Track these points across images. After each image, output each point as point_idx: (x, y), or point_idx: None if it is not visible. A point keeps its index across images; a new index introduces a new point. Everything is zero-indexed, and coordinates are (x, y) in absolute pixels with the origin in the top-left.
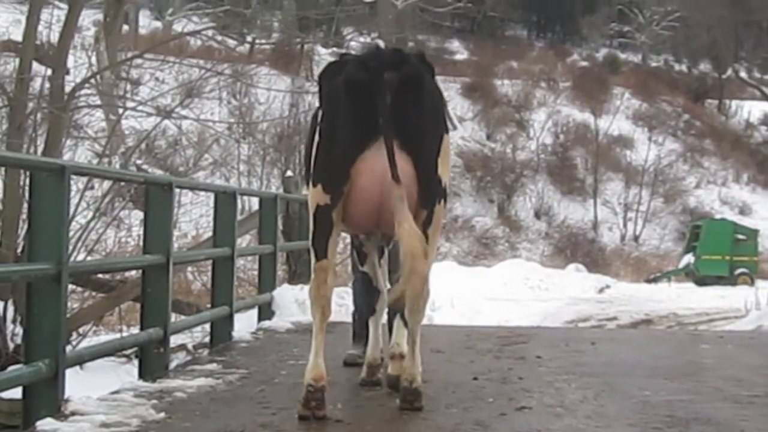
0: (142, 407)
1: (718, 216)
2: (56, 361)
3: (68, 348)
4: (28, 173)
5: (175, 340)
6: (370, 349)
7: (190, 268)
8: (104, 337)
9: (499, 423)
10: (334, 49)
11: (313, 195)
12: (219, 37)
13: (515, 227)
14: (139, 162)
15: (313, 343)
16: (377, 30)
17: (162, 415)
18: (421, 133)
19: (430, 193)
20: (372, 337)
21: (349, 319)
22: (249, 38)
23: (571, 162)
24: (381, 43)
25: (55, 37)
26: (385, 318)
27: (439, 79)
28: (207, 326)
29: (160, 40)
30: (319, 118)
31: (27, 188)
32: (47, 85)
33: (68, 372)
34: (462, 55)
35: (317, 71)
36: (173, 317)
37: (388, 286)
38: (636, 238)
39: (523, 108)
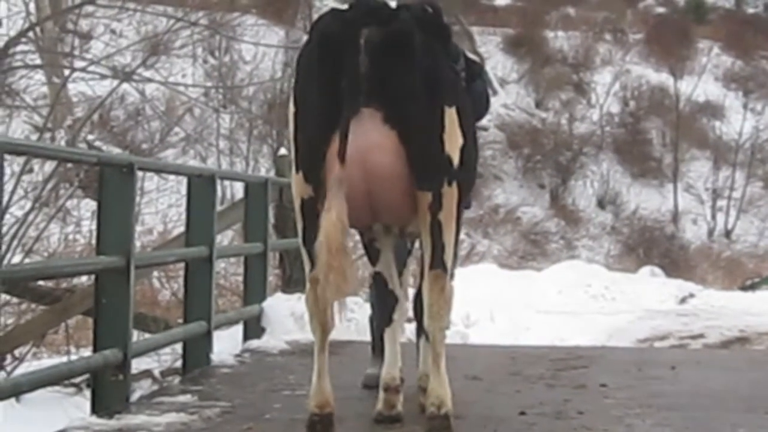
0: None
1: None
2: None
3: (1, 375)
4: None
5: (137, 365)
6: (385, 368)
7: (156, 273)
8: (47, 361)
9: None
10: None
11: (295, 184)
12: None
13: (573, 220)
14: (90, 138)
15: (315, 364)
16: None
17: None
18: (409, 104)
19: (430, 173)
20: (388, 354)
21: (359, 338)
22: None
23: (644, 136)
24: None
25: None
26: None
27: (475, 30)
28: (178, 347)
29: None
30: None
31: None
32: None
33: (1, 405)
34: (505, 0)
35: None
36: (135, 335)
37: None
38: (728, 234)
39: (583, 67)
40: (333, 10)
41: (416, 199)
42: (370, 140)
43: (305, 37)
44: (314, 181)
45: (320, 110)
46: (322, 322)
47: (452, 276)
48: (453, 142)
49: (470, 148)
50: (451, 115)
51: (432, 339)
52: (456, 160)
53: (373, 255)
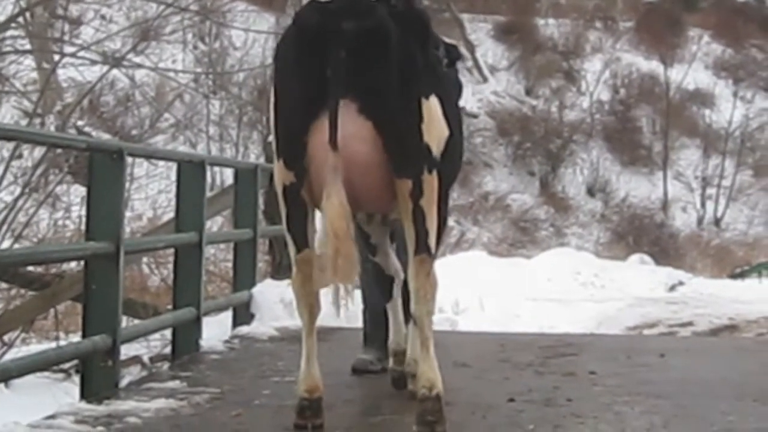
0: None
1: None
2: None
3: None
4: None
5: (126, 351)
6: (392, 335)
7: (145, 259)
8: (36, 346)
9: None
10: None
11: (277, 171)
12: None
13: (562, 207)
14: (80, 123)
15: (304, 348)
16: None
17: None
18: (385, 95)
19: (408, 160)
20: (393, 324)
21: (348, 325)
22: None
23: (634, 124)
24: None
25: None
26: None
27: (465, 17)
28: (168, 333)
29: None
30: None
31: None
32: None
33: None
34: None
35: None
36: (124, 321)
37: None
38: (717, 222)
39: (573, 55)
40: (313, 2)
41: (396, 186)
42: (346, 130)
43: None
44: (295, 168)
45: (299, 100)
46: (309, 304)
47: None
48: (432, 132)
49: (455, 134)
50: (429, 105)
51: (420, 323)
52: (435, 149)
53: (370, 248)
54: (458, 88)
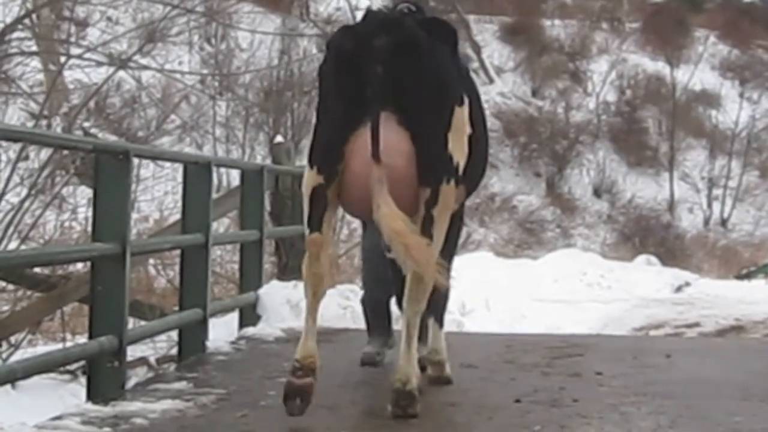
0: None
1: None
2: None
3: None
4: None
5: (133, 352)
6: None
7: (152, 260)
8: (43, 348)
9: None
10: None
11: (308, 176)
12: None
13: (569, 208)
14: (86, 125)
15: (305, 324)
16: None
17: None
18: (421, 105)
19: (433, 171)
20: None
21: (354, 325)
22: None
23: (640, 125)
24: (376, 4)
25: None
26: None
27: (471, 19)
28: (174, 334)
29: None
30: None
31: None
32: None
33: None
34: None
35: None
36: (131, 323)
37: None
38: (724, 223)
39: (579, 56)
40: (344, 27)
41: (416, 195)
42: (387, 142)
43: (301, 25)
44: (326, 172)
45: (339, 115)
46: (313, 284)
47: (447, 272)
48: (457, 141)
49: (480, 137)
50: (459, 113)
51: (407, 321)
52: (457, 159)
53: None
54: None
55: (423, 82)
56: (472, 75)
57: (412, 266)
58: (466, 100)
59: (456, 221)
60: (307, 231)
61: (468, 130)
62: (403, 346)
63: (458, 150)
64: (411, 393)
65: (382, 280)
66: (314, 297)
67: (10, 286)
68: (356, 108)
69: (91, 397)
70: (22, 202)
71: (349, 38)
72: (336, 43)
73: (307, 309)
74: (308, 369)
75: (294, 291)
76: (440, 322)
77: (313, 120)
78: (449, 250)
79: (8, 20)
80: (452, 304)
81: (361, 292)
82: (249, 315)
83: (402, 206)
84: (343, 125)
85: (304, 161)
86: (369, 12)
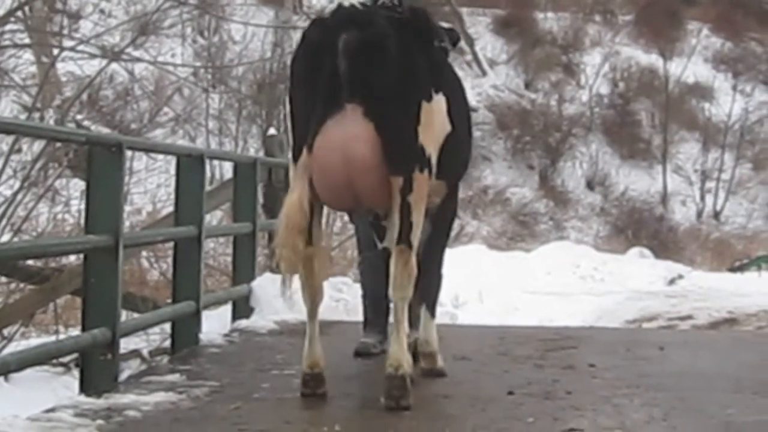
0: (84, 429)
1: None
2: None
3: None
4: None
5: (126, 344)
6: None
7: (145, 253)
8: (35, 340)
9: None
10: None
11: (291, 171)
12: None
13: (562, 201)
14: (79, 117)
15: (307, 330)
16: None
17: None
18: (386, 99)
19: (403, 160)
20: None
21: (348, 318)
22: None
23: (633, 118)
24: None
25: None
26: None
27: (464, 11)
28: (167, 327)
29: None
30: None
31: None
32: None
33: None
34: None
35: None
36: (124, 315)
37: None
38: (716, 215)
39: (572, 48)
40: (316, 20)
41: (390, 183)
42: (350, 132)
43: (294, 18)
44: None
45: (309, 108)
46: (312, 293)
47: (440, 262)
48: (429, 133)
49: (458, 129)
50: (430, 107)
51: (395, 307)
52: (431, 149)
53: (379, 232)
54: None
55: (387, 77)
56: (464, 67)
57: (277, 260)
58: (438, 96)
59: (448, 214)
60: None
61: (445, 125)
62: (393, 332)
63: (430, 143)
64: (403, 377)
65: (382, 276)
66: (313, 304)
67: (3, 279)
68: (324, 101)
69: (84, 389)
70: (15, 194)
71: (317, 31)
72: (306, 35)
73: (308, 315)
74: (318, 377)
75: None
76: (431, 311)
77: (288, 111)
78: (441, 242)
79: (0, 12)
80: (445, 297)
81: (353, 285)
82: (242, 307)
83: (373, 193)
84: (313, 119)
85: None
86: (339, 6)
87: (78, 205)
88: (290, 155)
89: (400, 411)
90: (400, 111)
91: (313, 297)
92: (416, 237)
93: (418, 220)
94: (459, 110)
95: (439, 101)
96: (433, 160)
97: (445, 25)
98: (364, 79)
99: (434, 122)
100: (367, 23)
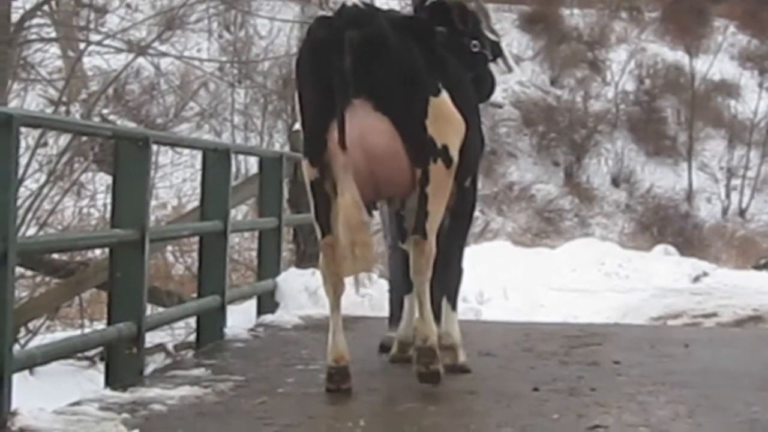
0: (109, 423)
1: None
2: (0, 364)
3: (15, 348)
4: None
5: (151, 339)
6: (403, 325)
7: (170, 247)
8: (61, 334)
9: None
10: None
11: (304, 169)
12: None
13: (587, 197)
14: (105, 111)
15: (331, 322)
16: None
17: None
18: (394, 94)
19: (418, 151)
20: (407, 315)
21: (372, 313)
22: None
23: (659, 115)
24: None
25: None
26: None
27: (490, 7)
28: (192, 321)
29: None
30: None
31: None
32: None
33: (16, 378)
34: None
35: None
36: (149, 309)
37: None
38: (742, 213)
39: (598, 45)
40: (320, 18)
41: (413, 174)
42: (366, 125)
43: (320, 12)
44: (318, 164)
45: (316, 104)
46: (334, 283)
47: (460, 256)
48: (438, 126)
49: (470, 125)
50: (436, 103)
51: (417, 290)
52: (441, 142)
53: (402, 233)
54: (491, 83)
55: (391, 73)
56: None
57: (350, 262)
58: (444, 92)
59: (467, 207)
60: (319, 234)
61: (456, 119)
62: (417, 311)
63: (441, 135)
64: (431, 348)
65: (406, 279)
66: (335, 294)
67: (29, 273)
68: (331, 97)
69: (109, 383)
70: (41, 188)
71: (322, 29)
72: (311, 33)
73: (330, 307)
74: (344, 372)
75: (312, 278)
76: (453, 303)
77: (297, 105)
78: (460, 235)
79: (27, 6)
80: (470, 293)
81: (378, 280)
82: (267, 302)
83: (394, 182)
84: (320, 115)
85: None
86: (343, 6)
87: (104, 199)
88: (303, 154)
89: (431, 377)
90: (406, 105)
91: (335, 287)
92: (433, 227)
93: (436, 210)
94: (468, 107)
95: (446, 98)
96: (452, 152)
97: (492, 36)
98: (369, 74)
99: (445, 116)
100: (369, 22)
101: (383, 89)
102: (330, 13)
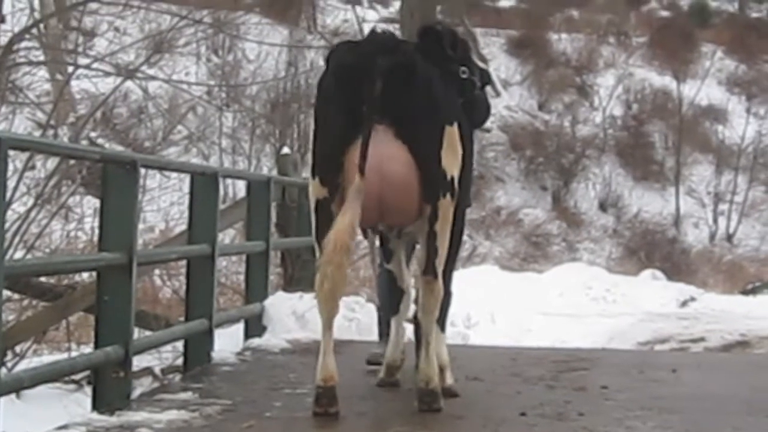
0: None
1: None
2: None
3: (2, 371)
4: None
5: (138, 362)
6: (390, 349)
7: (158, 271)
8: (48, 357)
9: None
10: None
11: (312, 188)
12: None
13: (574, 222)
14: (93, 135)
15: (322, 343)
16: None
17: None
18: (416, 122)
19: (430, 185)
20: (393, 337)
21: (360, 337)
22: None
23: (646, 139)
24: (378, 28)
25: None
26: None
27: (478, 32)
28: (179, 345)
29: None
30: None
31: None
32: None
33: (2, 401)
34: (509, 2)
35: (321, 21)
36: (136, 333)
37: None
38: (729, 238)
39: (586, 70)
40: (347, 43)
41: (421, 207)
42: (385, 152)
43: (308, 37)
44: (330, 184)
45: (338, 126)
46: (327, 303)
47: (449, 280)
48: (449, 157)
49: (468, 155)
50: (450, 132)
51: (424, 329)
52: (450, 174)
53: (387, 254)
54: (486, 109)
55: (417, 101)
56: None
57: (319, 278)
58: (456, 121)
59: (456, 233)
60: (318, 251)
61: (459, 149)
62: (422, 351)
63: (451, 166)
64: (434, 390)
65: (392, 301)
66: (329, 315)
67: (16, 296)
68: (354, 121)
69: (96, 406)
70: (29, 211)
71: (351, 55)
72: (338, 58)
73: (322, 327)
74: (331, 394)
75: (300, 302)
76: (441, 326)
77: (311, 131)
78: (450, 260)
79: (16, 29)
80: (457, 317)
81: (366, 305)
82: (254, 326)
83: (402, 210)
84: (343, 137)
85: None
86: (372, 32)
87: (91, 222)
88: (311, 173)
89: (432, 413)
90: (428, 135)
91: (329, 308)
92: (441, 264)
93: (443, 245)
94: (467, 138)
95: (456, 129)
96: (456, 185)
97: (480, 64)
98: (394, 101)
99: (455, 146)
100: (398, 49)
101: (407, 117)
102: (352, 39)
